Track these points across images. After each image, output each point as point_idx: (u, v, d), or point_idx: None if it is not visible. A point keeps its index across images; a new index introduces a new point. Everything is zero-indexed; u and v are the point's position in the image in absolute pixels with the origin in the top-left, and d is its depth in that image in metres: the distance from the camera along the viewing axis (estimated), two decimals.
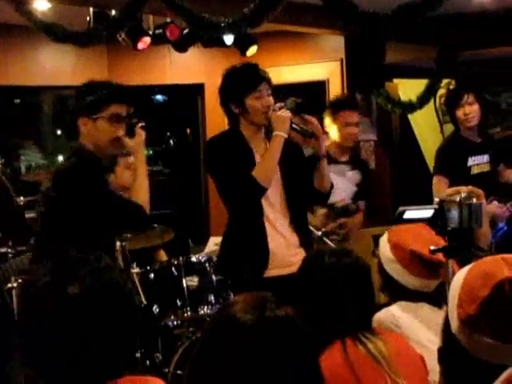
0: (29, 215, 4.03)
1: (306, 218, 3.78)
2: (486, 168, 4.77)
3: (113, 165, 3.59)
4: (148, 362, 3.95)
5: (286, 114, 3.48)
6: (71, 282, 1.53)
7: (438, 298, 2.55)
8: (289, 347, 1.40)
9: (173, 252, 4.76)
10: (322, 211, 4.55)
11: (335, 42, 6.51)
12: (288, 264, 3.41)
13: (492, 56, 6.76)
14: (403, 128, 6.70)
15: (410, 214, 2.48)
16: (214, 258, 4.00)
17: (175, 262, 4.10)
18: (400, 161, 6.69)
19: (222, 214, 3.79)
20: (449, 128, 5.52)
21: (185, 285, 4.02)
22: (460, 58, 6.18)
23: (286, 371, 1.38)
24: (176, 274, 4.06)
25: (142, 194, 3.21)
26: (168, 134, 8.82)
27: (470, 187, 2.45)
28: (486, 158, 4.77)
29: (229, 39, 5.70)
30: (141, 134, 3.23)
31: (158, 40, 5.57)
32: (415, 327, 2.52)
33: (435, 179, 4.70)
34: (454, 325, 1.50)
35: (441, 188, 4.38)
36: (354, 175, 4.79)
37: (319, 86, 6.68)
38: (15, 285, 3.69)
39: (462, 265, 1.92)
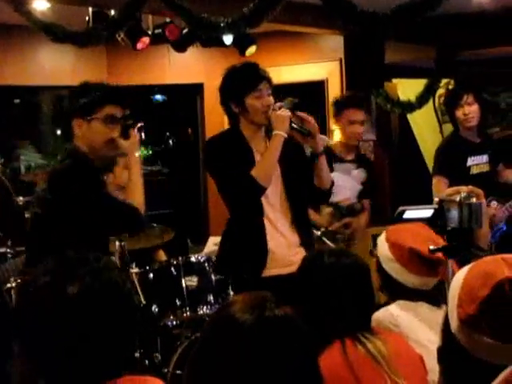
0: (28, 215, 4.02)
1: (307, 217, 3.78)
2: (486, 168, 4.76)
3: (111, 165, 3.58)
4: (147, 362, 3.95)
5: (285, 113, 3.48)
6: (71, 282, 1.53)
7: (436, 297, 2.56)
8: (288, 347, 1.39)
9: (172, 252, 4.76)
10: (327, 210, 4.56)
11: (334, 42, 6.52)
12: (288, 263, 3.41)
13: (491, 56, 6.78)
14: (402, 128, 6.70)
15: (409, 213, 2.48)
16: (213, 258, 3.99)
17: (174, 262, 4.09)
18: (399, 161, 6.69)
19: (221, 213, 3.79)
20: (448, 128, 5.52)
21: (184, 285, 4.02)
22: (459, 58, 6.19)
23: (285, 371, 1.38)
24: (175, 273, 4.05)
25: (137, 196, 3.21)
26: (167, 133, 8.83)
27: (469, 187, 2.45)
28: (485, 158, 4.77)
29: (228, 39, 5.70)
30: (135, 136, 3.24)
31: (158, 40, 5.57)
32: (414, 326, 2.52)
33: (435, 179, 4.70)
34: (454, 325, 1.50)
35: (440, 188, 4.38)
36: (359, 173, 4.80)
37: (318, 86, 6.69)
38: (14, 285, 3.69)
39: (461, 265, 1.92)
